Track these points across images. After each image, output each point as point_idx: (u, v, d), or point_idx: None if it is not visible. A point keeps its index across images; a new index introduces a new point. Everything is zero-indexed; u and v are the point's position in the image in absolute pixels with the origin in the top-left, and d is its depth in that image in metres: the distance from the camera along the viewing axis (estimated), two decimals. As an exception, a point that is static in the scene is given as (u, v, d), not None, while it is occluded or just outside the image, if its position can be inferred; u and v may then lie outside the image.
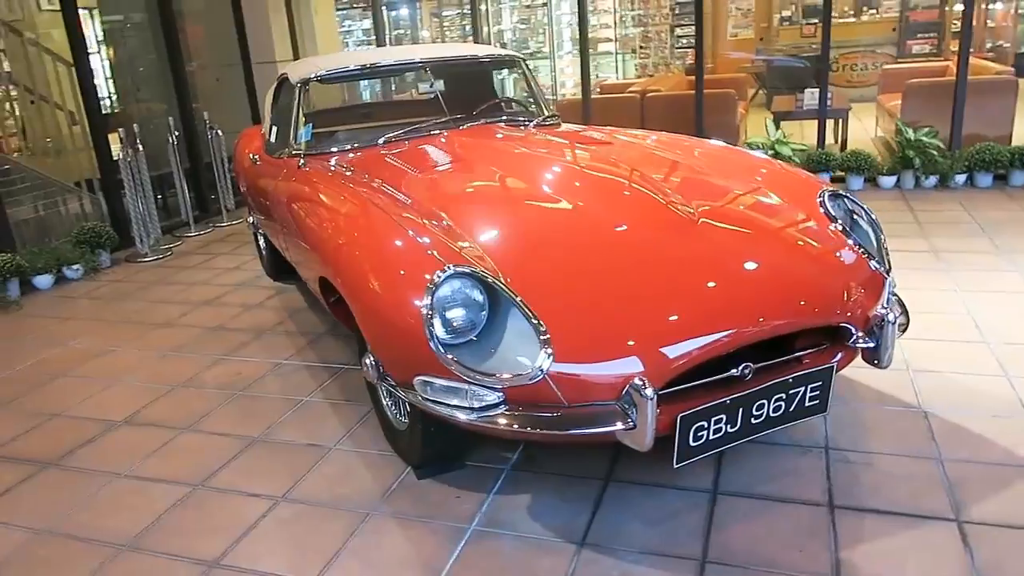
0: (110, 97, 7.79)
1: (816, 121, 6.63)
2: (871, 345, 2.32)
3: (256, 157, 4.28)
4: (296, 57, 7.84)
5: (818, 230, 2.54)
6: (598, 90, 9.53)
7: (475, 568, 2.19)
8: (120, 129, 5.68)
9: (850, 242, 2.51)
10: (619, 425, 1.99)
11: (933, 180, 6.09)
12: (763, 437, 2.69)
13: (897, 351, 3.29)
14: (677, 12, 15.87)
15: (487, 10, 13.08)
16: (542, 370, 2.00)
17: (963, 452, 2.55)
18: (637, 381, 1.95)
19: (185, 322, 4.43)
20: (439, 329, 2.09)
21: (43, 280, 5.28)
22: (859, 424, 2.78)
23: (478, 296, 2.15)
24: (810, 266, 2.39)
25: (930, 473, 2.46)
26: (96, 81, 6.37)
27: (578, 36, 6.88)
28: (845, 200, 2.72)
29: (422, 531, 2.37)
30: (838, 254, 2.46)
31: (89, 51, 6.00)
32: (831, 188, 2.74)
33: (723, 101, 6.95)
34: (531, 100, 4.19)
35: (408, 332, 2.11)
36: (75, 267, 5.44)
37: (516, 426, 2.05)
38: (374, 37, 8.29)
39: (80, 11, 7.34)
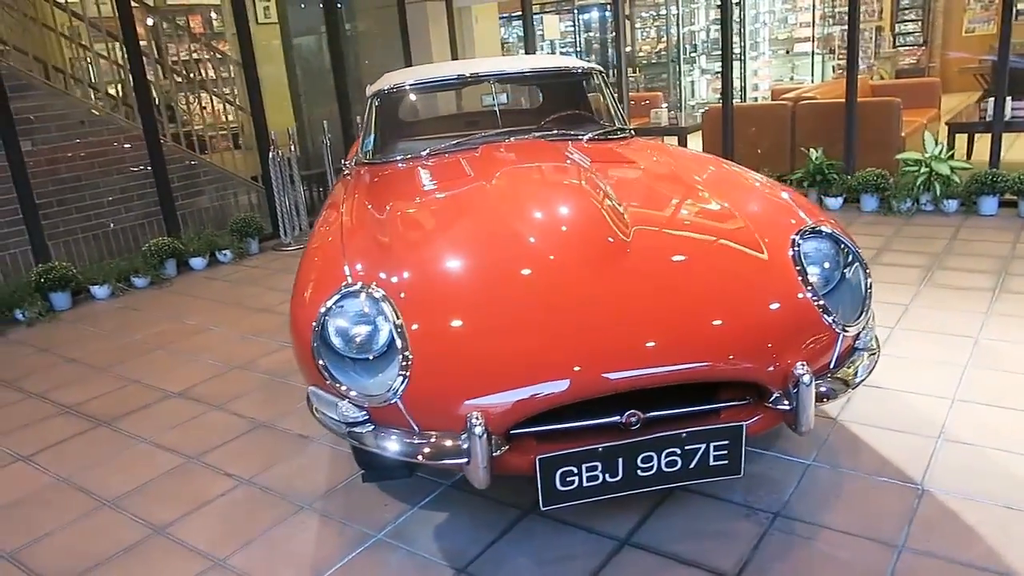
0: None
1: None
2: (786, 407, 2.05)
3: (344, 163, 4.63)
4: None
5: (768, 271, 2.27)
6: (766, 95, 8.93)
7: (353, 576, 2.28)
8: (273, 132, 6.41)
9: (807, 292, 2.22)
10: (459, 459, 1.97)
11: None
12: (714, 491, 2.49)
13: (939, 415, 2.85)
14: (902, 6, 14.38)
15: (678, 12, 12.76)
16: (394, 393, 2.03)
17: (933, 544, 2.17)
18: (473, 419, 1.92)
19: (280, 309, 4.91)
20: (333, 339, 2.18)
21: (197, 262, 6.10)
22: (834, 492, 2.45)
23: (380, 317, 2.21)
24: (733, 313, 2.15)
25: (876, 563, 2.12)
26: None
27: (721, 37, 6.52)
28: (836, 241, 2.40)
29: (333, 532, 2.49)
30: (776, 304, 2.20)
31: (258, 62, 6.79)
32: (821, 226, 2.43)
33: (884, 111, 6.24)
34: (606, 113, 4.11)
35: (302, 342, 2.23)
36: (225, 252, 6.23)
37: (375, 446, 2.10)
38: (546, 40, 8.49)
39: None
